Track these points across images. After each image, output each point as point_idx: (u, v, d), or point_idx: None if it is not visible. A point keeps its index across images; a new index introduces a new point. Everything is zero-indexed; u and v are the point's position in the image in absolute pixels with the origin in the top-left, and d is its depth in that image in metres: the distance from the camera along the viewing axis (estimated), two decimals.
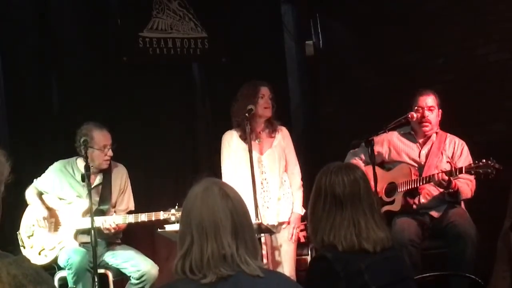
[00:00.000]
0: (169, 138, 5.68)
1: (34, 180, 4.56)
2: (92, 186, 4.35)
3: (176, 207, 4.18)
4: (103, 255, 4.46)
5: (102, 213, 4.45)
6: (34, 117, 5.14)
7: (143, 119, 5.55)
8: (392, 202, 4.50)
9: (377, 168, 4.46)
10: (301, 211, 4.43)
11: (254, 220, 3.92)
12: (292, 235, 4.37)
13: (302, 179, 4.55)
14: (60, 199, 4.51)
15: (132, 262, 4.41)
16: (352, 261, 2.27)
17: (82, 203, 4.40)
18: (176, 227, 3.88)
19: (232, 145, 4.43)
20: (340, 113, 6.22)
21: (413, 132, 4.58)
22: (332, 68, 6.31)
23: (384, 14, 5.76)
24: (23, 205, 4.54)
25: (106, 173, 4.58)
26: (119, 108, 5.39)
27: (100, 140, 4.40)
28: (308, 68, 6.41)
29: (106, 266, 4.48)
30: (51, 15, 5.32)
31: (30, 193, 4.52)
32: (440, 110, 4.50)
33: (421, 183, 4.36)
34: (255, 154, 4.36)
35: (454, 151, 4.46)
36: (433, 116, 4.47)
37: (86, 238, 4.31)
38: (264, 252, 4.30)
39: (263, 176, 4.36)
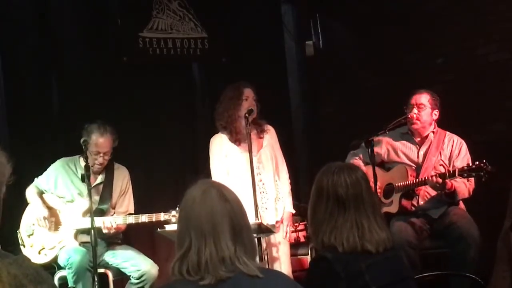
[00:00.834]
0: (169, 138, 5.68)
1: (35, 179, 4.56)
2: (93, 185, 4.35)
3: (177, 208, 4.17)
4: (103, 254, 4.46)
5: (101, 212, 4.45)
6: (34, 117, 5.14)
7: (143, 119, 5.55)
8: (389, 204, 4.50)
9: (376, 168, 4.46)
10: (293, 210, 4.44)
11: (254, 221, 3.92)
12: (286, 233, 4.36)
13: (301, 178, 4.55)
14: (61, 197, 4.51)
15: (132, 261, 4.41)
16: (353, 261, 2.26)
17: (82, 202, 4.40)
18: (176, 227, 3.88)
19: (223, 148, 4.41)
20: (340, 113, 6.22)
21: (410, 132, 4.58)
22: (332, 68, 6.31)
23: (384, 14, 5.76)
24: (23, 204, 4.54)
25: (108, 173, 4.58)
26: (119, 108, 5.39)
27: (93, 145, 4.39)
28: (308, 68, 6.42)
29: (106, 266, 4.48)
30: (51, 15, 5.32)
31: (30, 192, 4.53)
32: (437, 110, 4.49)
33: (417, 185, 4.36)
34: (247, 156, 4.35)
35: (452, 150, 4.46)
36: (423, 114, 4.45)
37: (86, 238, 4.31)
38: (264, 247, 4.29)
39: (259, 177, 4.31)
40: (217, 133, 4.46)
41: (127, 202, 4.64)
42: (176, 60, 5.80)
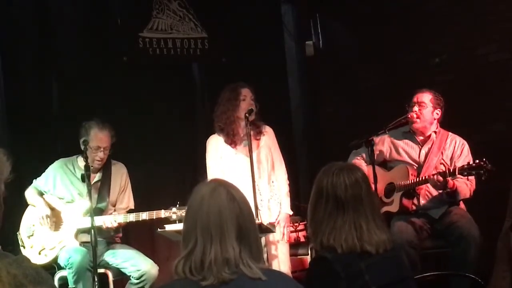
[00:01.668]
0: (169, 137, 5.68)
1: (34, 180, 4.56)
2: (91, 183, 4.36)
3: (177, 205, 4.17)
4: (103, 254, 4.46)
5: (100, 210, 4.46)
6: (34, 117, 5.14)
7: (143, 119, 5.55)
8: (390, 203, 4.50)
9: (378, 168, 4.47)
10: (290, 211, 4.44)
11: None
12: (283, 235, 4.35)
13: (301, 178, 4.54)
14: (60, 198, 4.51)
15: (132, 261, 4.41)
16: (353, 261, 2.26)
17: (83, 202, 4.41)
18: (176, 226, 3.88)
19: (219, 150, 4.41)
20: (340, 113, 6.22)
21: (413, 131, 4.58)
22: (332, 68, 6.31)
23: (384, 14, 5.76)
24: (23, 205, 4.54)
25: (106, 171, 4.59)
26: (119, 108, 5.39)
27: (93, 140, 4.40)
28: (308, 68, 6.42)
29: (106, 266, 4.48)
30: (51, 15, 5.33)
31: (30, 194, 4.53)
32: (439, 109, 4.49)
33: (418, 184, 4.36)
34: (243, 157, 4.35)
35: (454, 150, 4.46)
36: (424, 113, 4.45)
37: (86, 238, 4.31)
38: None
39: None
40: (214, 133, 4.47)
41: (127, 198, 4.65)
42: (176, 60, 5.80)
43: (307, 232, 5.08)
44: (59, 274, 4.41)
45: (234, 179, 4.18)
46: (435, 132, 4.52)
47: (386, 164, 4.68)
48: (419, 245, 4.28)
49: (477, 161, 4.08)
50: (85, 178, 4.09)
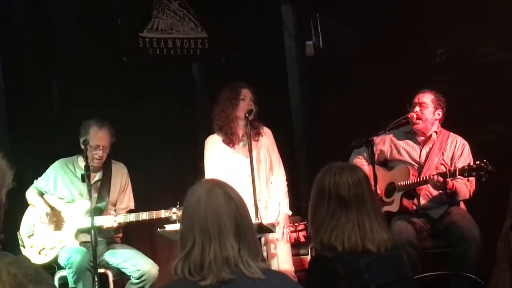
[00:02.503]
0: (169, 137, 5.68)
1: (34, 181, 4.57)
2: (91, 183, 4.35)
3: (178, 205, 4.18)
4: (103, 254, 4.46)
5: (99, 210, 4.46)
6: (34, 117, 5.14)
7: (143, 119, 5.55)
8: (391, 203, 4.50)
9: (379, 167, 4.47)
10: (289, 211, 4.43)
11: (254, 220, 3.92)
12: (283, 235, 4.34)
13: (301, 178, 4.54)
14: (61, 198, 4.51)
15: (132, 261, 4.41)
16: (352, 260, 2.26)
17: (83, 202, 4.41)
18: (176, 226, 3.88)
19: (216, 150, 4.41)
20: (340, 113, 6.22)
21: (414, 131, 4.58)
22: (332, 68, 6.31)
23: (384, 14, 5.76)
24: (23, 205, 4.54)
25: (106, 171, 4.59)
26: (119, 108, 5.39)
27: (92, 139, 4.40)
28: (308, 68, 6.41)
29: (106, 266, 4.48)
30: (51, 15, 5.32)
31: (31, 194, 4.53)
32: (440, 110, 4.49)
33: (418, 184, 4.36)
34: (241, 157, 4.35)
35: (455, 150, 4.46)
36: (425, 113, 4.45)
37: (86, 238, 4.31)
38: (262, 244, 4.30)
39: (249, 178, 4.25)
40: (213, 133, 4.47)
41: (128, 198, 4.66)
42: (176, 60, 5.80)
43: (308, 232, 5.09)
44: (59, 274, 4.41)
45: (231, 179, 4.19)
46: (436, 132, 4.52)
47: (387, 164, 4.67)
48: (419, 245, 4.28)
49: (478, 162, 4.07)
50: (85, 178, 4.09)
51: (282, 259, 4.34)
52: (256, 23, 6.08)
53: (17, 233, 4.47)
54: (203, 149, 4.51)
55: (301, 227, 5.25)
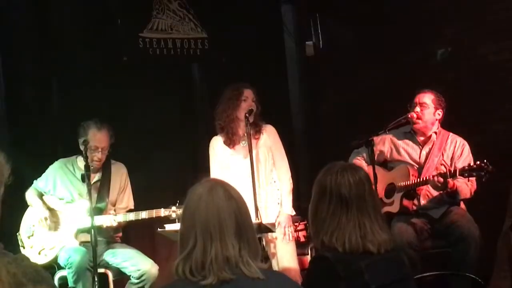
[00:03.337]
0: (169, 137, 5.68)
1: (34, 181, 4.57)
2: (91, 183, 4.35)
3: (177, 204, 4.18)
4: (103, 254, 4.46)
5: (99, 210, 4.46)
6: (34, 118, 5.14)
7: (143, 119, 5.55)
8: (391, 204, 4.50)
9: (379, 168, 4.47)
10: (291, 211, 4.40)
11: (254, 220, 3.91)
12: (285, 235, 4.32)
13: (301, 178, 4.52)
14: (60, 199, 4.51)
15: (132, 261, 4.41)
16: (353, 261, 2.26)
17: (83, 202, 4.41)
18: (176, 226, 3.88)
19: (217, 151, 4.42)
20: (340, 113, 6.22)
21: (413, 132, 4.58)
22: (332, 68, 6.31)
23: (384, 14, 5.76)
24: (23, 206, 4.54)
25: (105, 171, 4.59)
26: (119, 108, 5.39)
27: (91, 140, 4.40)
28: (308, 68, 6.41)
29: (106, 266, 4.48)
30: (51, 15, 5.32)
31: (30, 195, 4.53)
32: (440, 110, 4.49)
33: (419, 185, 4.36)
34: (240, 158, 4.34)
35: (455, 150, 4.46)
36: (426, 113, 4.45)
37: (86, 237, 4.31)
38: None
39: (249, 178, 4.23)
40: (216, 134, 4.47)
41: (127, 198, 4.66)
42: (176, 60, 5.80)
43: (308, 232, 5.08)
44: (59, 274, 4.41)
45: (232, 180, 4.18)
46: (435, 132, 4.52)
47: (387, 164, 4.67)
48: (419, 246, 4.28)
49: (478, 162, 4.07)
50: (85, 178, 4.09)
51: (287, 258, 4.31)
52: (256, 23, 6.08)
53: (17, 233, 4.47)
54: (207, 149, 4.51)
55: (301, 227, 5.24)
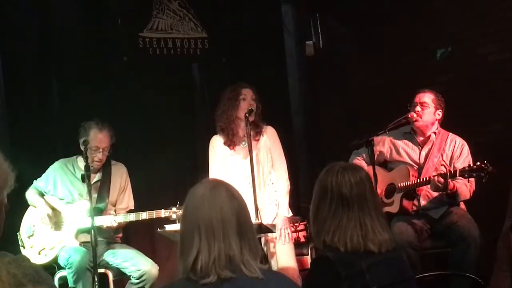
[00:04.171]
0: (169, 137, 5.68)
1: (34, 181, 4.57)
2: (91, 183, 4.35)
3: (177, 205, 4.18)
4: (103, 254, 4.47)
5: (99, 210, 4.46)
6: (34, 118, 5.14)
7: (143, 119, 5.55)
8: (391, 204, 4.50)
9: (379, 168, 4.47)
10: (288, 213, 4.39)
11: (254, 220, 3.91)
12: (281, 236, 4.31)
13: (301, 178, 4.51)
14: (61, 199, 4.51)
15: (132, 261, 4.41)
16: (354, 261, 2.26)
17: (83, 203, 4.41)
18: (176, 226, 3.88)
19: (217, 151, 4.42)
20: (340, 113, 6.22)
21: (413, 132, 4.58)
22: (332, 68, 6.31)
23: (384, 14, 5.76)
24: (23, 205, 4.54)
25: (106, 171, 4.59)
26: (119, 108, 5.39)
27: (92, 141, 4.40)
28: (308, 68, 6.41)
29: (106, 266, 4.48)
30: (51, 15, 5.32)
31: (31, 194, 4.53)
32: (440, 110, 4.49)
33: (419, 185, 4.36)
34: (239, 158, 4.34)
35: (454, 150, 4.46)
36: (426, 113, 4.45)
37: (86, 238, 4.31)
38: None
39: (248, 179, 4.24)
40: (216, 134, 4.47)
41: (127, 198, 4.66)
42: (176, 60, 5.80)
43: (307, 232, 5.08)
44: (59, 274, 4.41)
45: (231, 180, 4.18)
46: (434, 133, 4.52)
47: (386, 164, 4.67)
48: (419, 246, 4.28)
49: (478, 163, 4.07)
50: (85, 178, 4.09)
51: (285, 259, 4.31)
52: (256, 23, 6.08)
53: (17, 233, 4.47)
54: (207, 150, 4.51)
55: (301, 227, 5.23)
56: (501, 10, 5.03)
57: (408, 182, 4.40)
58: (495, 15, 5.06)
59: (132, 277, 4.38)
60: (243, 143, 4.36)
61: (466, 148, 4.46)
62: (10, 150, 4.71)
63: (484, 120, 5.12)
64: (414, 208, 4.46)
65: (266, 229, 4.07)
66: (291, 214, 4.46)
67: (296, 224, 5.14)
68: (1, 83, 5.06)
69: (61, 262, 4.36)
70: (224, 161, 4.40)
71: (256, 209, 4.07)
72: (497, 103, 5.07)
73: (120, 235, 4.69)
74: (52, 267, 4.41)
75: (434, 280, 3.59)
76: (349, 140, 4.55)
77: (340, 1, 6.21)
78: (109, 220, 4.38)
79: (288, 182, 4.42)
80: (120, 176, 4.64)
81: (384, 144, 4.64)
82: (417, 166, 4.50)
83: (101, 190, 4.55)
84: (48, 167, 4.60)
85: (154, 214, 4.31)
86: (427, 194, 4.44)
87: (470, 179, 4.27)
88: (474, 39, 5.19)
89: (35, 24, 5.26)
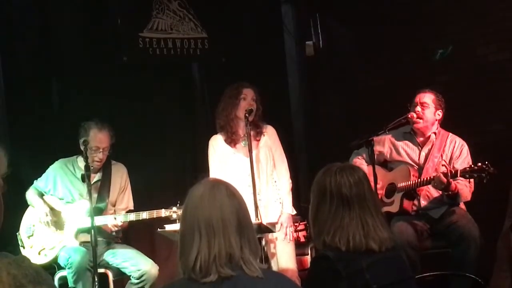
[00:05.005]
0: (169, 137, 5.69)
1: (34, 181, 4.57)
2: (91, 183, 4.35)
3: (178, 205, 4.18)
4: (103, 254, 4.47)
5: (99, 210, 4.46)
6: (34, 117, 5.14)
7: (143, 119, 5.55)
8: (391, 204, 4.50)
9: (379, 168, 4.47)
10: (292, 211, 4.41)
11: (254, 220, 3.91)
12: (286, 235, 4.33)
13: (301, 178, 4.51)
14: (61, 199, 4.51)
15: (132, 261, 4.41)
16: (354, 260, 2.26)
17: (83, 203, 4.41)
18: (176, 226, 3.88)
19: (217, 150, 4.42)
20: (340, 113, 6.22)
21: (413, 132, 4.58)
22: (332, 68, 6.31)
23: (384, 14, 5.76)
24: (23, 205, 4.54)
25: (106, 171, 4.59)
26: (119, 108, 5.39)
27: (92, 141, 4.40)
28: (308, 68, 6.41)
29: (106, 266, 4.48)
30: (51, 15, 5.32)
31: (31, 194, 4.53)
32: (440, 110, 4.49)
33: (419, 185, 4.36)
34: (241, 157, 4.34)
35: (454, 151, 4.46)
36: (426, 113, 4.45)
37: (86, 238, 4.31)
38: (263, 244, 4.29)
39: (250, 178, 4.23)
40: (216, 133, 4.47)
41: (127, 198, 4.66)
42: (176, 60, 5.80)
43: (307, 232, 5.08)
44: (59, 274, 4.41)
45: (232, 179, 4.19)
46: (434, 133, 4.52)
47: (386, 164, 4.67)
48: (419, 246, 4.28)
49: (479, 164, 4.07)
50: (85, 178, 4.09)
51: (285, 259, 4.32)
52: (256, 23, 6.08)
53: (17, 233, 4.47)
54: (207, 148, 4.51)
55: (301, 227, 5.24)
56: (501, 10, 5.04)
57: (409, 182, 4.40)
58: (495, 15, 5.06)
59: (132, 277, 4.38)
60: (244, 142, 4.36)
61: (466, 148, 4.46)
62: (10, 150, 4.70)
63: (484, 120, 5.12)
64: (414, 208, 4.46)
65: (266, 229, 4.07)
66: (295, 212, 4.46)
67: (296, 224, 5.15)
68: (1, 83, 5.06)
69: (61, 262, 4.36)
70: (226, 160, 4.40)
71: (256, 208, 4.07)
72: (497, 103, 5.07)
73: (120, 235, 4.69)
74: (52, 267, 4.41)
75: (434, 280, 3.59)
76: (349, 140, 4.55)
77: (340, 1, 6.21)
78: (113, 220, 4.37)
79: (290, 181, 4.44)
80: (120, 176, 4.64)
81: (384, 144, 4.65)
82: (417, 166, 4.50)
83: (101, 190, 4.56)
84: (48, 167, 4.60)
85: (155, 213, 4.31)
86: (427, 194, 4.45)
87: (470, 180, 4.27)
88: (474, 39, 5.19)
89: (35, 24, 5.25)
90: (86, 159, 4.21)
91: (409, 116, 4.46)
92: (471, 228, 4.21)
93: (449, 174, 4.15)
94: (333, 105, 6.32)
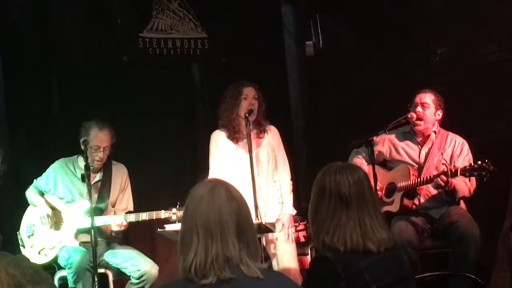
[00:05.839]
0: (169, 137, 5.69)
1: (34, 180, 4.56)
2: (92, 183, 4.35)
3: (177, 206, 4.18)
4: (103, 254, 4.47)
5: (100, 210, 4.46)
6: (34, 117, 5.14)
7: (143, 119, 5.55)
8: (391, 203, 4.50)
9: (379, 167, 4.47)
10: (293, 211, 4.41)
11: (254, 220, 3.90)
12: (288, 235, 4.33)
13: (301, 178, 4.52)
14: (61, 198, 4.51)
15: (132, 261, 4.41)
16: (353, 261, 2.26)
17: (84, 202, 4.41)
18: (176, 226, 3.88)
19: (219, 145, 4.42)
20: (340, 113, 6.22)
21: (412, 132, 4.58)
22: (332, 68, 6.31)
23: (384, 14, 5.76)
24: (23, 205, 4.54)
25: (106, 171, 4.59)
26: (119, 108, 5.40)
27: (93, 140, 4.40)
28: (308, 68, 6.41)
29: (106, 266, 4.48)
30: (51, 15, 5.33)
31: (31, 193, 4.53)
32: (440, 110, 4.49)
33: (419, 184, 4.36)
34: (243, 153, 4.35)
35: (454, 149, 4.46)
36: (427, 113, 4.45)
37: (86, 238, 4.31)
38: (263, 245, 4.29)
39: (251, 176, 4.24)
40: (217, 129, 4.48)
41: (127, 199, 4.66)
42: (176, 60, 5.80)
43: (307, 232, 5.08)
44: (59, 274, 4.41)
45: (234, 174, 4.20)
46: (434, 132, 4.52)
47: (386, 164, 4.68)
48: (419, 245, 4.28)
49: (479, 162, 4.07)
50: (85, 178, 4.09)
51: (287, 258, 4.32)
52: (256, 23, 6.09)
53: (17, 233, 4.47)
54: (208, 144, 4.51)
55: (301, 227, 5.24)
56: (501, 10, 5.03)
57: (409, 182, 4.40)
58: (495, 15, 5.06)
59: (132, 277, 4.38)
60: (245, 141, 4.37)
61: (466, 146, 4.46)
62: (10, 150, 4.71)
63: (484, 120, 5.12)
64: (414, 207, 4.46)
65: (266, 229, 4.07)
66: (295, 212, 4.47)
67: (296, 224, 5.14)
68: (1, 83, 5.06)
69: (61, 262, 4.35)
70: (227, 155, 4.40)
71: (256, 208, 4.07)
72: (497, 103, 5.07)
73: (120, 235, 4.68)
74: (52, 267, 4.40)
75: (434, 280, 3.59)
76: (349, 140, 4.54)
77: (340, 1, 6.21)
78: (118, 220, 4.36)
79: (291, 182, 4.45)
80: (120, 176, 4.64)
81: (383, 144, 4.65)
82: (417, 166, 4.50)
83: (102, 190, 4.55)
84: (48, 166, 4.60)
85: (154, 215, 4.31)
86: (427, 193, 4.45)
87: (470, 177, 4.27)
88: (474, 39, 5.19)
89: (35, 24, 5.26)
90: (86, 158, 4.21)
91: (409, 116, 4.46)
92: (471, 228, 4.20)
93: (449, 172, 4.15)
94: (333, 104, 6.32)
